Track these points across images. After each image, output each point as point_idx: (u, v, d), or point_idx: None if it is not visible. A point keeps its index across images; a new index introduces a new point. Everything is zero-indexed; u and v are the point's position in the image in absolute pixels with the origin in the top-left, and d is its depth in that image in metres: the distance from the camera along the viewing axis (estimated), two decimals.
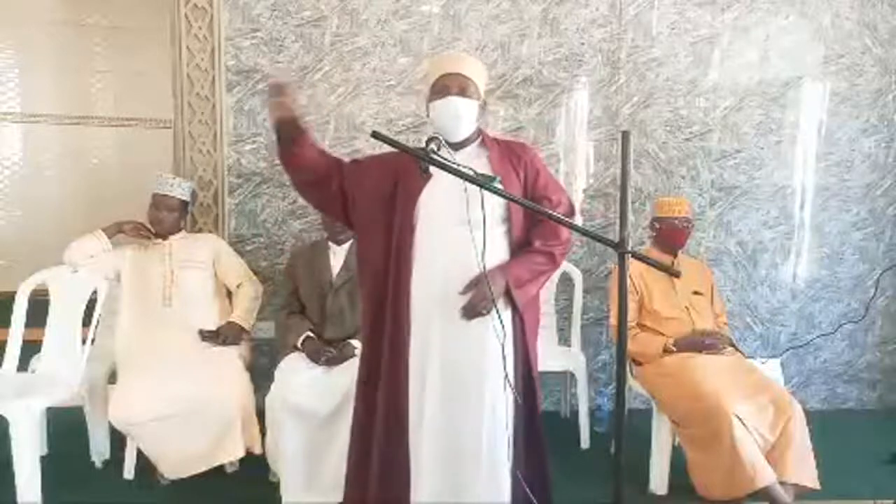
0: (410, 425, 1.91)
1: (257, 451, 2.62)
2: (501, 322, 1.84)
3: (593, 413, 3.27)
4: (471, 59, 2.08)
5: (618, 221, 1.58)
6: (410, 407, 1.91)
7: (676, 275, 1.97)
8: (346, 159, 2.07)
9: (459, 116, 1.94)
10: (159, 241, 2.95)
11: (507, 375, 1.85)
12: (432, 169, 1.81)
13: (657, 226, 2.99)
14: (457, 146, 1.97)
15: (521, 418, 1.93)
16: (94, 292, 2.83)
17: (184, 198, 2.97)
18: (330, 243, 2.85)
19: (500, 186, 1.75)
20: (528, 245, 1.97)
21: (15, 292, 2.74)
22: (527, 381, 1.97)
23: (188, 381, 2.58)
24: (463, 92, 1.94)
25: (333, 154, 2.05)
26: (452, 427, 1.89)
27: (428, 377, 1.90)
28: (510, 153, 2.01)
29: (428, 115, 2.02)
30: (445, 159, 1.80)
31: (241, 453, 2.57)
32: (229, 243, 3.20)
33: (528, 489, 1.86)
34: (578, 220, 3.42)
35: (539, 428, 1.99)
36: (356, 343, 2.68)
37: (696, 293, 2.95)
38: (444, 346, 1.90)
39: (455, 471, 1.89)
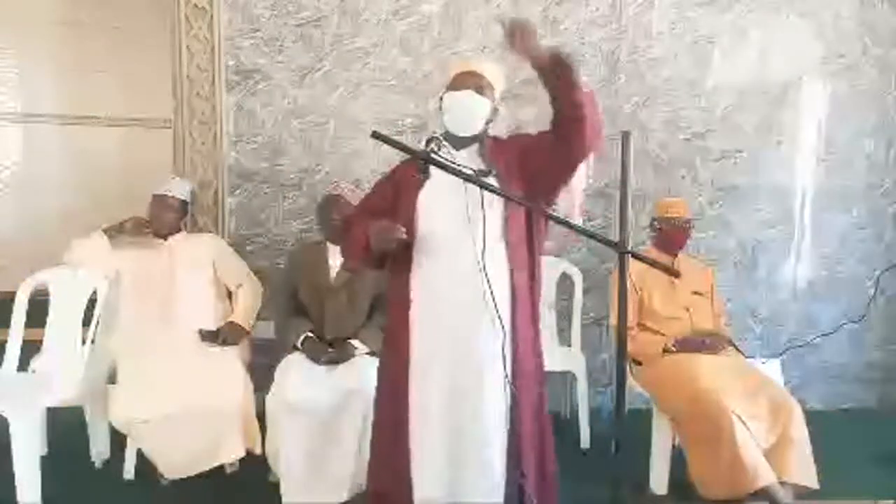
0: (413, 423, 1.92)
1: (257, 451, 2.62)
2: (501, 322, 1.84)
3: (593, 413, 3.27)
4: (492, 64, 2.08)
5: (618, 221, 1.58)
6: (413, 405, 1.93)
7: (676, 275, 1.97)
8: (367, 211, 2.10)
9: (471, 111, 1.94)
10: (160, 240, 2.95)
11: (506, 375, 1.86)
12: (432, 170, 1.82)
13: (658, 226, 2.99)
14: (459, 145, 1.97)
15: (531, 417, 1.94)
16: (94, 292, 2.84)
17: (184, 198, 2.98)
18: (329, 244, 2.85)
19: (493, 181, 1.76)
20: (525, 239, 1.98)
21: (15, 292, 2.73)
22: (532, 380, 1.97)
23: (188, 380, 2.58)
24: (478, 89, 1.95)
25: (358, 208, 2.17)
26: (455, 425, 1.90)
27: (432, 376, 1.91)
28: (503, 147, 2.01)
29: (440, 108, 2.00)
30: (445, 159, 1.80)
31: (241, 453, 2.57)
32: (229, 243, 3.20)
33: (529, 489, 1.86)
34: (578, 220, 3.42)
35: (543, 427, 1.99)
36: (356, 343, 2.69)
37: (696, 293, 2.96)
38: (447, 346, 1.91)
39: (456, 469, 1.90)
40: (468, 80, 1.95)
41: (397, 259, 1.98)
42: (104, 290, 2.83)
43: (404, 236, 1.86)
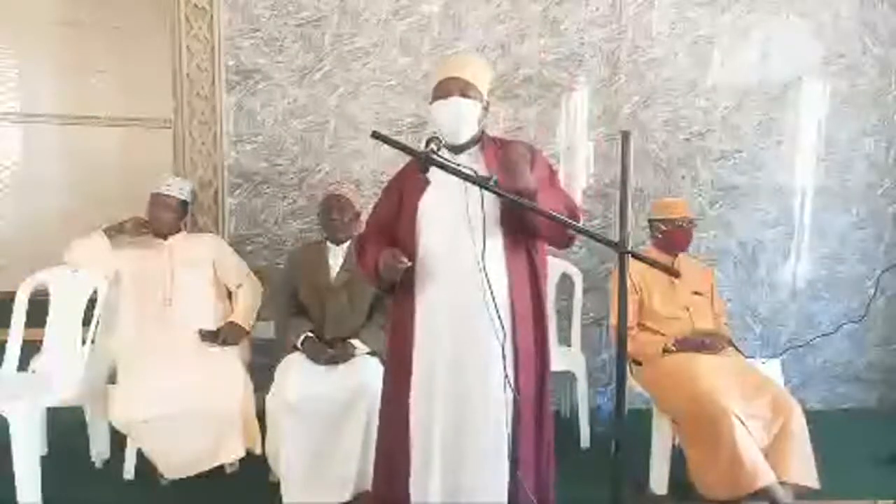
0: (416, 424, 1.93)
1: (257, 451, 2.62)
2: (501, 322, 1.84)
3: (593, 413, 3.27)
4: (474, 61, 2.08)
5: (618, 221, 1.58)
6: (415, 406, 1.93)
7: (676, 275, 1.98)
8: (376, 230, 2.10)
9: (460, 117, 1.94)
10: (159, 240, 2.95)
11: (506, 375, 1.86)
12: (433, 171, 1.82)
13: (661, 227, 2.98)
14: (458, 149, 1.97)
15: (530, 418, 1.94)
16: (94, 292, 2.84)
17: (183, 198, 2.97)
18: (329, 243, 2.85)
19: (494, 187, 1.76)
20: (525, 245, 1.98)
21: (15, 292, 2.73)
22: (532, 380, 1.97)
23: (188, 381, 2.58)
24: (464, 93, 1.93)
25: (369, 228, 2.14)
26: (458, 427, 1.90)
27: (434, 378, 1.91)
28: (501, 150, 2.00)
29: (432, 118, 2.01)
30: (446, 159, 1.80)
31: (241, 453, 2.58)
32: (229, 243, 3.20)
33: (528, 490, 1.86)
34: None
35: (545, 428, 1.99)
36: (356, 343, 2.69)
37: (696, 293, 2.95)
38: (449, 348, 1.91)
39: (456, 470, 1.90)
40: (452, 86, 1.93)
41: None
42: (104, 290, 2.83)
43: (408, 264, 1.88)
